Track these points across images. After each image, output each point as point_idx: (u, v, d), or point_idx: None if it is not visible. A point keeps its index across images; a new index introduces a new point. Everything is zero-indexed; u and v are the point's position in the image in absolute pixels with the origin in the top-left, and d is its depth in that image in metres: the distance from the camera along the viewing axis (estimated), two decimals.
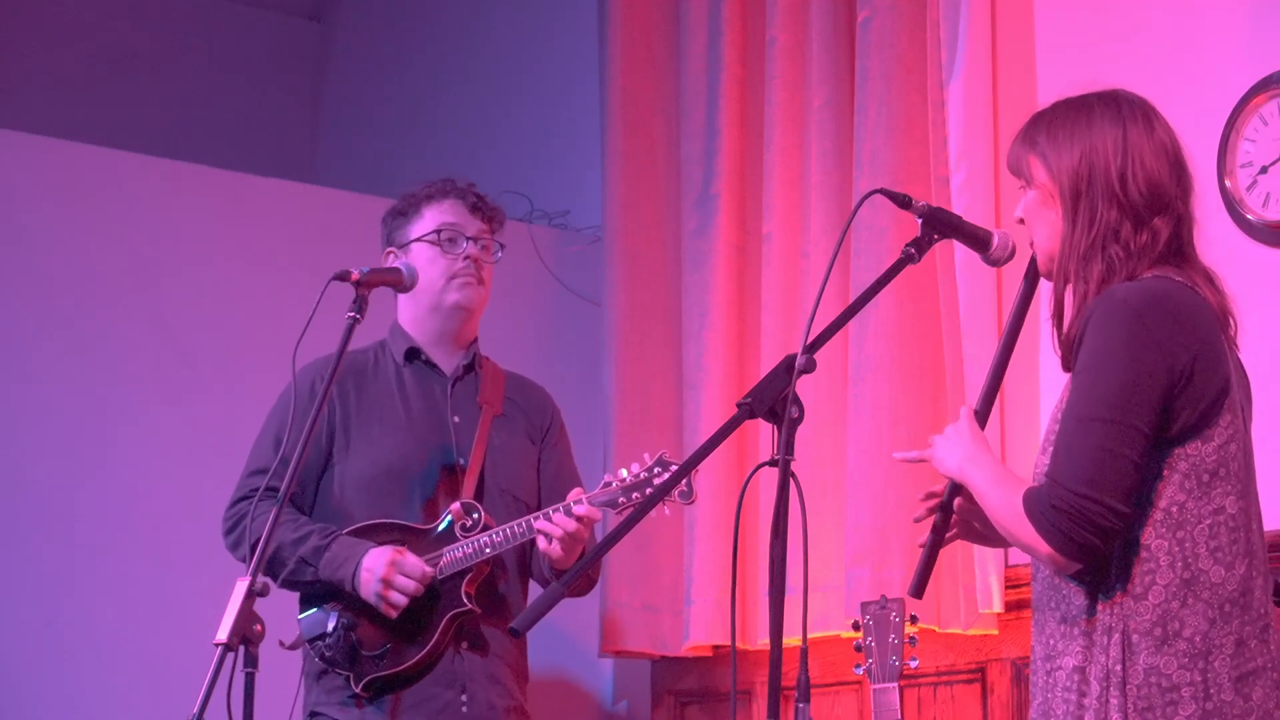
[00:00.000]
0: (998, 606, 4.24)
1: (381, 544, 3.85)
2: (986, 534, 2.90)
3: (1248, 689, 2.62)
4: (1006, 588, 4.23)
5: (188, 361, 4.97)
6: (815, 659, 4.44)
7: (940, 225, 2.93)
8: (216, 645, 3.05)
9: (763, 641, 4.60)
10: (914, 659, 3.70)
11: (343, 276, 3.56)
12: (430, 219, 4.04)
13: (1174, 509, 2.64)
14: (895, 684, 3.68)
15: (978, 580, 4.25)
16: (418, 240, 4.03)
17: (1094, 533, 2.58)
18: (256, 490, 3.81)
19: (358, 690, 3.83)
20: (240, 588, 3.10)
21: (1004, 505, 2.67)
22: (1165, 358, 2.62)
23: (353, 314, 3.52)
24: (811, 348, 2.70)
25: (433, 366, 4.06)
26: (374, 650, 3.84)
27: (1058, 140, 2.76)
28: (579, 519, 3.79)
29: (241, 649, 3.06)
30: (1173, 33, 4.19)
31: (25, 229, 4.85)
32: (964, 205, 4.27)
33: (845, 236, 3.51)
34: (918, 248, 2.89)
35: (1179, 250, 2.74)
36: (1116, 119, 2.75)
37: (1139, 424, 2.59)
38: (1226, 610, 2.63)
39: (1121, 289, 2.67)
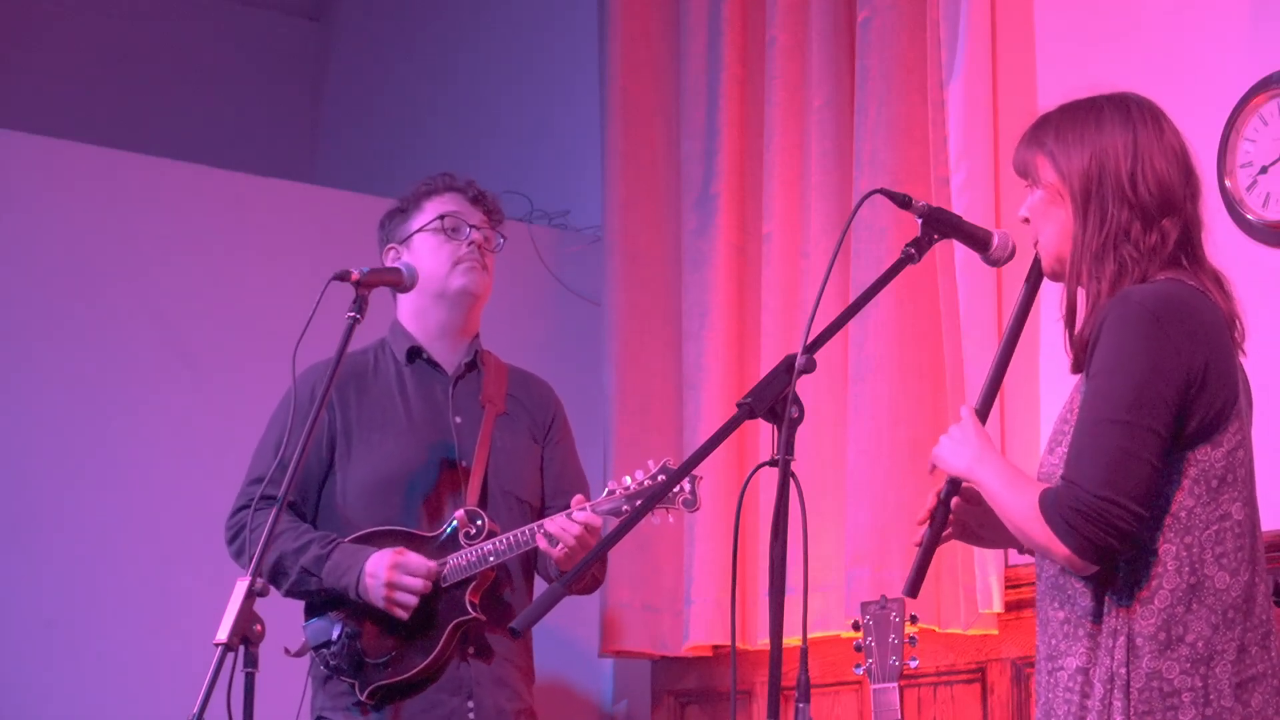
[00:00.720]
0: (998, 606, 4.24)
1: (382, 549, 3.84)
2: (983, 535, 2.90)
3: (1247, 695, 2.62)
4: (1006, 588, 4.23)
5: (188, 362, 4.97)
6: (815, 659, 4.44)
7: (940, 225, 2.93)
8: (216, 645, 3.05)
9: (763, 641, 4.60)
10: (914, 659, 3.69)
11: (343, 276, 3.55)
12: (431, 210, 4.02)
13: (1182, 514, 2.64)
14: (895, 684, 3.68)
15: (978, 580, 4.25)
16: (420, 231, 4.00)
17: (1112, 534, 2.58)
18: (256, 498, 3.80)
19: (363, 698, 3.82)
20: (240, 588, 3.10)
21: (1018, 506, 2.67)
22: (1181, 362, 2.62)
23: (353, 314, 3.51)
24: (811, 348, 2.70)
25: (434, 366, 4.04)
26: (379, 658, 3.83)
27: (1067, 141, 2.76)
28: (582, 526, 3.79)
29: (241, 649, 3.06)
30: (1173, 33, 4.18)
31: (25, 229, 4.85)
32: (964, 205, 4.27)
33: (845, 236, 3.51)
34: (918, 248, 2.90)
35: (1189, 252, 2.75)
36: (1126, 121, 2.75)
37: (1156, 427, 2.60)
38: (1230, 616, 2.63)
39: (1136, 292, 2.67)
